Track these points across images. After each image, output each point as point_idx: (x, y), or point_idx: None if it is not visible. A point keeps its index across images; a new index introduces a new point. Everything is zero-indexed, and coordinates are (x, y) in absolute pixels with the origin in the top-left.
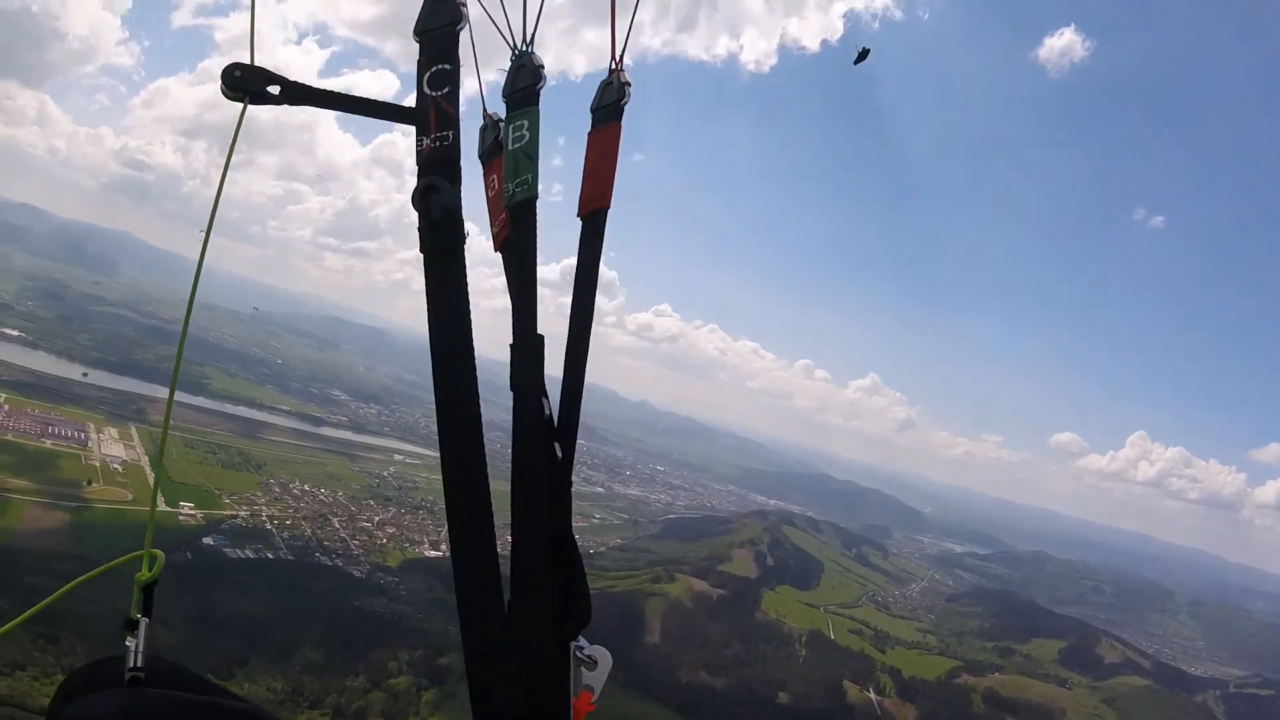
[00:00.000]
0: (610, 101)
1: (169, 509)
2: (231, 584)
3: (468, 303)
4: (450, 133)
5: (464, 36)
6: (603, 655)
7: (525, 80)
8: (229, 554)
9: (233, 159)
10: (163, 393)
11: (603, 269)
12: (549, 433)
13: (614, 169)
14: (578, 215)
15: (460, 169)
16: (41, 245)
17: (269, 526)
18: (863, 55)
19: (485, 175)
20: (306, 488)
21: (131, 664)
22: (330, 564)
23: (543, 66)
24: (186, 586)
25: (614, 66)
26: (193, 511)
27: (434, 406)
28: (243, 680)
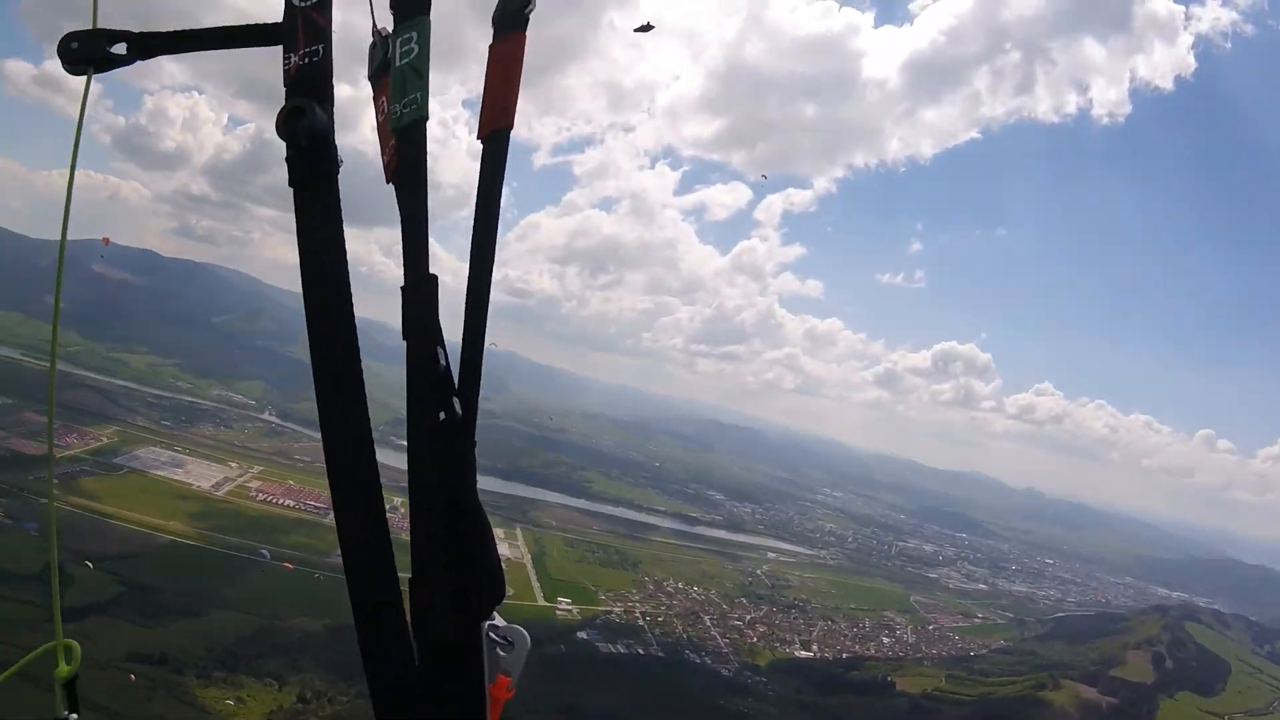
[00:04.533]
0: (514, 9)
1: (547, 604)
2: (602, 677)
3: (343, 240)
4: (320, 46)
5: None
6: (519, 635)
7: None
8: (602, 648)
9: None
10: (546, 495)
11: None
12: (446, 387)
13: (518, 85)
14: (477, 137)
15: (332, 88)
16: None
17: (641, 623)
18: (645, 28)
19: (375, 98)
20: (680, 585)
21: None
22: (699, 661)
23: None
24: (559, 677)
25: None
26: (570, 607)
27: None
28: None
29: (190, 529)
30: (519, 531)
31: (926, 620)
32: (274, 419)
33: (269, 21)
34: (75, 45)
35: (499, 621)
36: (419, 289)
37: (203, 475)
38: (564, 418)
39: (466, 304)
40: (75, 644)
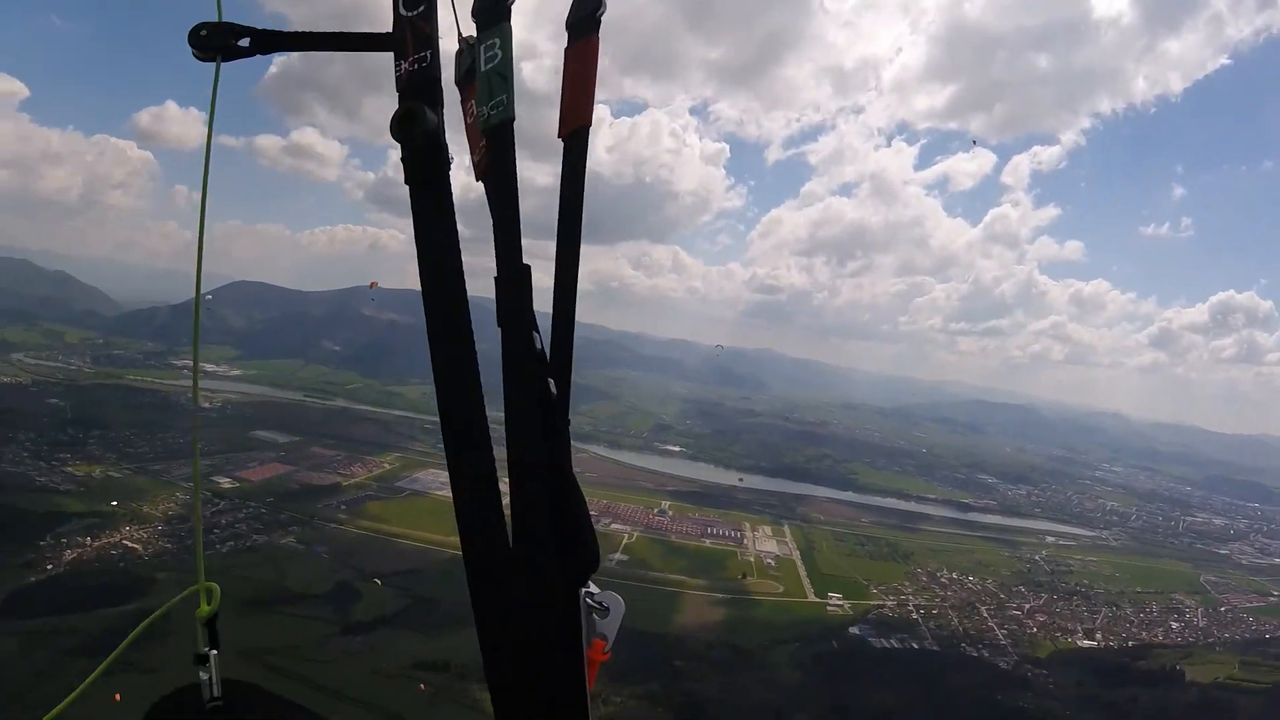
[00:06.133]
0: (586, 13)
1: (818, 600)
2: (875, 674)
3: (456, 232)
4: (428, 52)
5: None
6: (615, 601)
7: None
8: (874, 644)
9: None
10: (812, 490)
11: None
12: (541, 368)
13: (594, 85)
14: (558, 136)
15: (441, 91)
16: (694, 372)
17: (915, 616)
18: None
19: (463, 102)
20: (954, 576)
21: (209, 695)
22: (976, 655)
23: None
24: (831, 675)
25: None
26: (840, 602)
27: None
28: None
29: None
30: (786, 528)
31: (1218, 601)
32: None
33: (380, 31)
34: (204, 34)
35: (594, 589)
36: (511, 279)
37: None
38: (825, 410)
39: (554, 290)
40: (215, 586)
